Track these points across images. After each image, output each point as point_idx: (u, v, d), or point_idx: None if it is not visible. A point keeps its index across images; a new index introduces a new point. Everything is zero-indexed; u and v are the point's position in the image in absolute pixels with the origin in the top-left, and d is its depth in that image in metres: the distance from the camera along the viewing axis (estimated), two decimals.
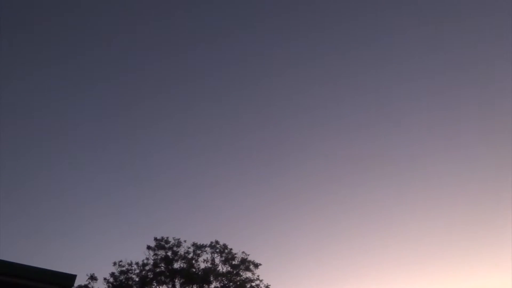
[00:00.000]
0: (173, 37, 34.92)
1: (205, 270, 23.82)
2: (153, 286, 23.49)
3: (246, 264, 24.18)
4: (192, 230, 31.95)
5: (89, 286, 22.53)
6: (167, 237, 24.38)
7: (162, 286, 23.54)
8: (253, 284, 23.82)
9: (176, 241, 24.35)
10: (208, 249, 24.41)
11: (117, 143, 35.79)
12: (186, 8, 33.26)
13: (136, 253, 25.07)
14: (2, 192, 26.53)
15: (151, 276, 23.53)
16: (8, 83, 29.90)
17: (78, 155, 34.26)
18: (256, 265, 24.20)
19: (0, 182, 27.39)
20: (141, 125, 36.17)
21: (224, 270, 24.12)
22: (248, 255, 24.41)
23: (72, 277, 7.15)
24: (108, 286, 22.93)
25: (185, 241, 24.49)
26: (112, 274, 23.23)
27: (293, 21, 34.10)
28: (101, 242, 30.44)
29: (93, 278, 22.71)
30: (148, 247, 24.08)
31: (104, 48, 33.77)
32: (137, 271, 23.63)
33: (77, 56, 33.28)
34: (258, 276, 24.08)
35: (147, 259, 23.86)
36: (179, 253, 24.13)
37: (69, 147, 34.00)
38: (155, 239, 24.28)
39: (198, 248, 24.32)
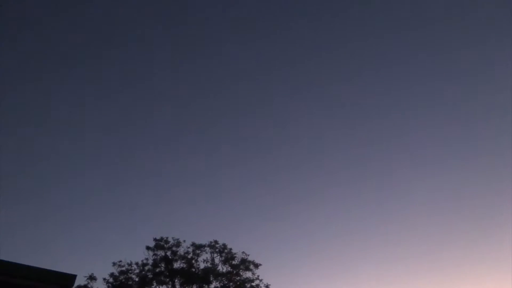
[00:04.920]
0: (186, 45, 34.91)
1: (205, 270, 23.80)
2: (153, 286, 23.48)
3: (246, 264, 24.16)
4: (192, 230, 31.94)
5: (89, 286, 22.50)
6: (167, 237, 24.37)
7: (162, 286, 23.53)
8: (253, 284, 23.81)
9: (176, 241, 24.33)
10: (207, 249, 24.40)
11: (117, 142, 35.77)
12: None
13: (136, 253, 25.05)
14: (2, 192, 26.50)
15: (151, 276, 23.52)
16: (10, 82, 29.87)
17: (79, 154, 34.23)
18: (256, 265, 24.18)
19: (0, 181, 27.36)
20: (142, 125, 36.15)
21: (224, 270, 24.12)
22: (248, 255, 24.42)
23: (72, 277, 7.14)
24: (108, 286, 22.90)
25: (184, 241, 24.48)
26: (112, 274, 23.21)
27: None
28: (101, 242, 30.43)
29: (92, 278, 22.66)
30: (147, 248, 24.07)
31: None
32: (137, 271, 23.62)
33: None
34: (258, 276, 24.10)
35: (147, 259, 23.86)
36: (178, 253, 24.12)
37: (69, 146, 33.97)
38: (154, 239, 24.28)
39: (197, 248, 24.30)
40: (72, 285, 7.19)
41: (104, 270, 23.49)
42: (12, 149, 30.67)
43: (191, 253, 24.19)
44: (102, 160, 34.81)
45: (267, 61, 35.05)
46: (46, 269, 7.02)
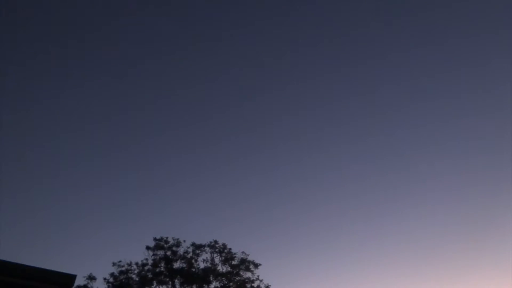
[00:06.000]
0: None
1: (205, 270, 23.81)
2: (153, 286, 23.48)
3: (246, 264, 24.16)
4: (191, 230, 31.90)
5: (88, 286, 22.51)
6: (167, 237, 24.38)
7: (162, 286, 23.53)
8: (253, 284, 23.82)
9: (176, 241, 24.34)
10: (207, 248, 24.41)
11: (117, 143, 35.75)
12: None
13: (136, 253, 25.07)
14: (2, 192, 26.50)
15: (151, 276, 23.52)
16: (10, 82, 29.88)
17: (78, 155, 34.21)
18: (256, 265, 24.18)
19: (0, 181, 27.36)
20: (141, 126, 36.17)
21: (224, 270, 24.12)
22: (248, 255, 24.42)
23: (72, 277, 7.13)
24: (108, 286, 22.90)
25: (184, 241, 24.48)
26: (112, 274, 23.22)
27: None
28: (101, 242, 30.42)
29: (91, 278, 22.67)
30: (147, 248, 24.06)
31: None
32: (137, 271, 23.62)
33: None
34: (258, 276, 24.11)
35: (147, 259, 23.86)
36: (178, 253, 24.12)
37: (69, 147, 33.94)
38: (154, 239, 24.27)
39: (197, 247, 24.31)
40: (72, 285, 7.17)
41: (104, 270, 23.52)
42: (12, 147, 30.68)
43: (191, 253, 24.21)
44: (102, 160, 34.78)
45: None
46: (46, 269, 7.01)
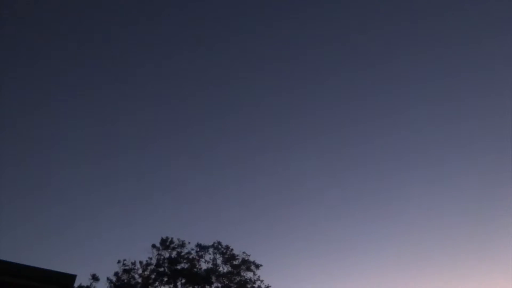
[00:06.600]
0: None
1: (207, 270, 23.88)
2: (156, 286, 23.53)
3: (247, 264, 24.27)
4: (194, 231, 31.94)
5: (91, 286, 22.54)
6: (172, 238, 24.54)
7: (164, 286, 23.60)
8: (254, 285, 23.88)
9: (181, 242, 24.49)
10: (211, 249, 24.54)
11: (120, 142, 35.73)
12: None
13: (139, 253, 25.14)
14: (2, 192, 26.54)
15: (154, 276, 23.59)
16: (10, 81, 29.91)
17: (80, 154, 34.19)
18: (257, 266, 24.29)
19: (0, 181, 27.40)
20: (144, 124, 36.14)
21: (225, 270, 24.19)
22: (249, 255, 24.53)
23: (72, 277, 7.17)
24: (111, 286, 22.95)
25: (189, 242, 24.68)
26: (115, 274, 23.29)
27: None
28: (105, 242, 30.41)
29: (95, 278, 22.74)
30: (153, 246, 24.19)
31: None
32: (140, 270, 23.72)
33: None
34: (259, 276, 24.19)
35: (150, 258, 24.01)
36: (182, 253, 24.23)
37: (70, 146, 33.94)
38: (162, 239, 24.38)
39: (202, 249, 24.43)
40: (72, 285, 7.21)
41: (109, 270, 23.67)
42: (13, 147, 30.70)
43: (194, 254, 24.36)
44: (107, 161, 34.76)
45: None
46: (46, 269, 7.04)
